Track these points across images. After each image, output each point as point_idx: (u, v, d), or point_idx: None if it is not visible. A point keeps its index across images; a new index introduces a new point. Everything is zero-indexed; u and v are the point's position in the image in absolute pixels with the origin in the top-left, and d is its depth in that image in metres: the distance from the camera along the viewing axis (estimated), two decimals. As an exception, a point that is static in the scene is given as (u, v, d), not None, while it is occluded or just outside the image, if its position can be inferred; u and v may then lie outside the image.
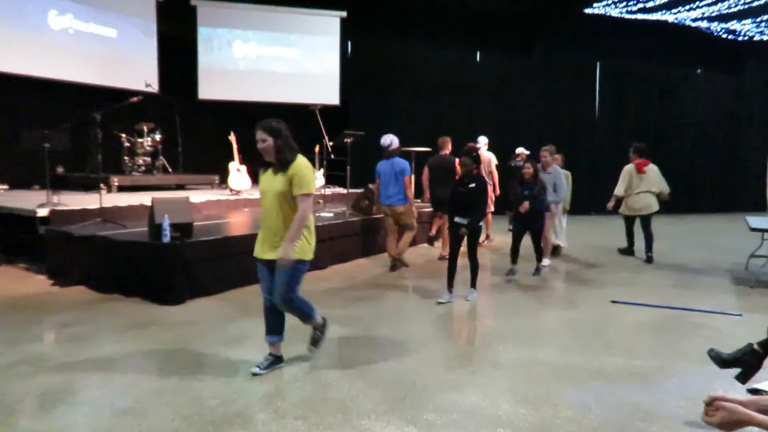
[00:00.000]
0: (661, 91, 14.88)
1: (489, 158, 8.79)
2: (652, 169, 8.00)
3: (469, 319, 5.11)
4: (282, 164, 3.41)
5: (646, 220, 7.92)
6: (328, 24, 12.32)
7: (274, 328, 3.64)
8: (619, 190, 7.98)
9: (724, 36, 15.04)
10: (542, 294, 5.97)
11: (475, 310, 5.38)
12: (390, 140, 6.75)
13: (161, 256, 5.22)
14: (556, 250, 8.05)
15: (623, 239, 8.67)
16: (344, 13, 12.27)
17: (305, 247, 3.51)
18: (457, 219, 5.43)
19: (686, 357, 4.05)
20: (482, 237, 8.75)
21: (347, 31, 12.45)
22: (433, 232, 8.09)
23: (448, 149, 7.65)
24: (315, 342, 3.83)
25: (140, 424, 2.88)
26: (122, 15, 10.42)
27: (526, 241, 6.75)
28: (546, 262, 7.21)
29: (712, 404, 1.49)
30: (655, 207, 7.90)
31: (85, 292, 5.47)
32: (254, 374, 3.50)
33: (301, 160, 3.47)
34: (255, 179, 10.44)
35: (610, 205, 8.04)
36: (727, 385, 3.41)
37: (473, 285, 5.59)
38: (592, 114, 14.45)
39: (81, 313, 4.82)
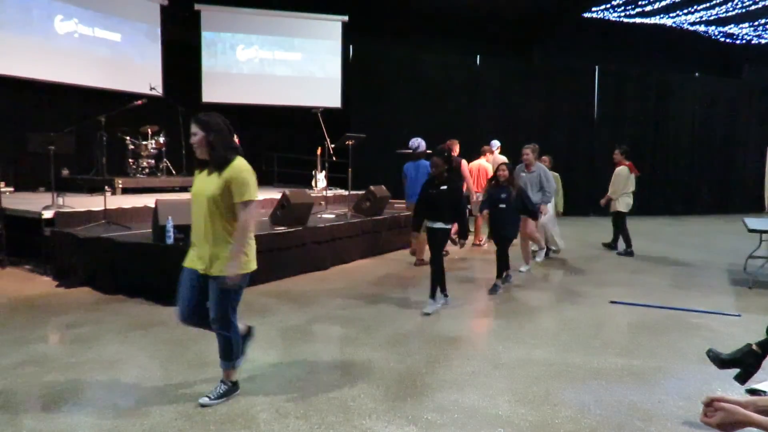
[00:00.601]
0: (659, 94, 14.93)
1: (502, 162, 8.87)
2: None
3: (469, 319, 5.14)
4: (217, 164, 3.03)
5: (625, 218, 8.62)
6: (330, 28, 12.39)
7: (225, 352, 3.23)
8: (618, 189, 8.49)
9: (722, 40, 15.07)
10: (541, 294, 6.00)
11: (475, 310, 5.42)
12: (418, 143, 7.30)
13: (165, 258, 5.26)
14: (548, 253, 8.04)
15: (623, 240, 8.70)
16: (346, 18, 12.34)
17: (242, 260, 3.11)
18: (428, 223, 5.17)
19: (685, 357, 4.07)
20: (469, 242, 8.72)
21: (349, 35, 12.51)
22: None
23: (455, 151, 7.91)
24: (221, 395, 3.18)
25: (144, 424, 2.92)
26: (127, 19, 10.50)
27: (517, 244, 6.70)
28: (524, 267, 7.00)
29: (710, 405, 1.49)
30: None
31: (90, 293, 5.51)
32: (203, 405, 3.10)
33: (240, 163, 3.07)
34: (258, 181, 10.58)
35: (604, 202, 8.72)
36: (725, 386, 3.44)
37: (433, 295, 5.21)
38: (591, 117, 14.49)
39: (85, 313, 4.87)
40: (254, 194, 3.08)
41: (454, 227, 5.36)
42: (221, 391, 3.19)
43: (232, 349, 3.21)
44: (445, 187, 5.09)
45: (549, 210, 7.35)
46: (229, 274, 3.01)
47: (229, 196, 3.01)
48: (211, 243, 3.05)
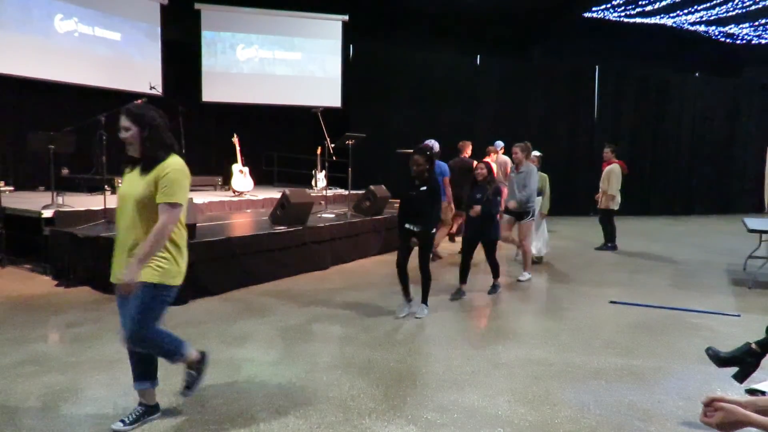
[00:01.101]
0: (659, 94, 14.94)
1: (505, 162, 9.06)
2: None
3: (468, 319, 5.14)
4: (147, 163, 2.68)
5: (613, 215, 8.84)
6: (330, 28, 12.39)
7: (141, 372, 2.91)
8: (613, 187, 8.55)
9: (722, 39, 15.07)
10: (541, 294, 6.00)
11: (474, 310, 5.42)
12: (431, 145, 7.30)
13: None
14: (536, 260, 7.54)
15: (623, 240, 8.72)
16: (346, 17, 12.34)
17: (171, 270, 2.69)
18: (407, 225, 4.91)
19: (684, 357, 4.08)
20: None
21: (349, 34, 12.51)
22: (454, 229, 8.55)
23: (467, 152, 8.23)
24: (190, 384, 2.98)
25: (143, 424, 2.91)
26: (127, 19, 10.50)
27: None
28: (526, 275, 6.62)
29: (710, 405, 1.49)
30: None
31: (90, 292, 5.51)
32: (114, 431, 2.82)
33: (173, 161, 2.69)
34: (258, 181, 10.56)
35: (602, 203, 8.77)
36: (725, 385, 3.44)
37: (425, 300, 5.07)
38: (591, 116, 14.50)
39: (85, 313, 4.87)
40: (182, 197, 2.67)
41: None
42: (136, 416, 2.88)
43: (169, 350, 2.84)
44: (425, 188, 4.81)
45: (535, 213, 7.05)
46: (123, 277, 2.56)
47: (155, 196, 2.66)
48: (136, 250, 2.65)
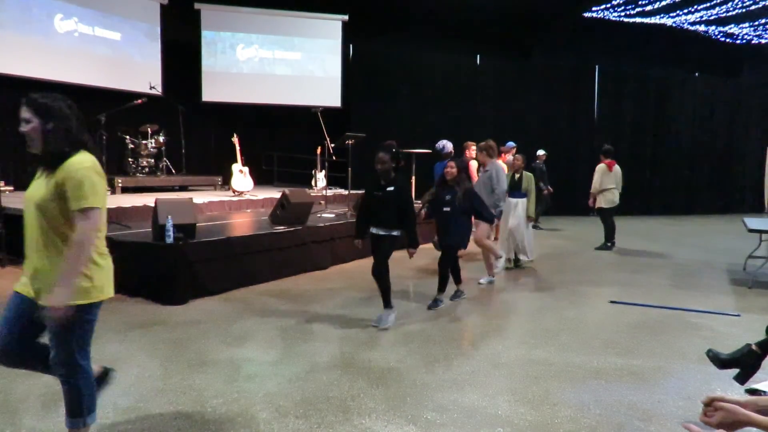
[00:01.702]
0: (659, 94, 14.95)
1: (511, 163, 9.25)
2: (617, 168, 9.01)
3: (468, 318, 5.13)
4: (49, 161, 2.30)
5: (613, 212, 8.95)
6: (330, 28, 12.39)
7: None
8: (595, 186, 8.92)
9: (722, 39, 15.07)
10: (541, 294, 5.99)
11: (474, 310, 5.41)
12: (443, 145, 7.39)
13: (165, 257, 5.27)
14: (518, 263, 7.34)
15: (623, 239, 8.72)
16: (346, 17, 12.33)
17: (85, 287, 2.31)
18: (373, 230, 4.59)
19: (684, 357, 4.08)
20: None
21: (349, 34, 12.51)
22: None
23: (471, 153, 8.12)
24: None
25: (143, 423, 2.92)
26: (127, 19, 10.49)
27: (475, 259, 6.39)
28: (484, 279, 6.32)
29: (710, 405, 1.49)
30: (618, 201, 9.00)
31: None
32: None
33: (81, 158, 2.30)
34: (258, 180, 10.56)
35: (592, 202, 9.05)
36: (725, 386, 3.44)
37: (387, 305, 4.68)
38: (591, 116, 14.50)
39: (85, 313, 4.86)
40: (98, 200, 2.28)
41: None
42: None
43: (81, 402, 2.46)
44: (391, 188, 4.49)
45: (519, 216, 6.96)
46: (53, 303, 2.23)
47: (64, 202, 2.26)
48: (46, 263, 2.31)
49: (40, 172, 2.35)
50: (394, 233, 4.59)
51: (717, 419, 1.47)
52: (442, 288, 5.32)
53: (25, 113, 2.32)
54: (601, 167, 8.89)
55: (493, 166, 6.26)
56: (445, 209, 5.21)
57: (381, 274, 4.59)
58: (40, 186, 2.32)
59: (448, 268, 5.33)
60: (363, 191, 4.77)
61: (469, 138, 8.95)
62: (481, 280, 6.34)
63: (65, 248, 2.29)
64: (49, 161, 2.30)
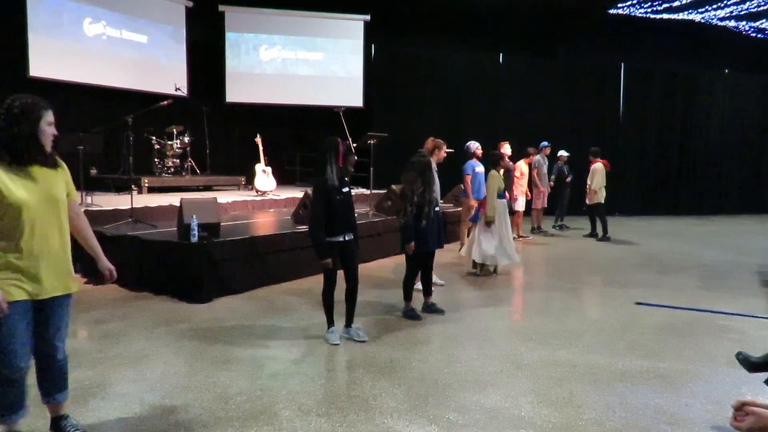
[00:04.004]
0: (686, 92, 14.61)
1: (539, 162, 10.05)
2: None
3: (492, 319, 5.10)
4: (54, 160, 2.59)
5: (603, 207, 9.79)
6: (352, 28, 12.43)
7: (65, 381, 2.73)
8: (599, 184, 9.56)
9: (753, 35, 14.67)
10: (565, 295, 5.92)
11: (497, 309, 5.38)
12: (467, 146, 7.62)
13: (189, 256, 5.35)
14: (495, 269, 6.79)
15: (651, 241, 8.60)
16: (368, 17, 12.36)
17: None
18: (344, 238, 4.15)
19: (713, 360, 3.99)
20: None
21: (371, 34, 12.53)
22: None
23: (506, 152, 8.34)
24: None
25: (169, 419, 2.97)
26: (153, 22, 10.69)
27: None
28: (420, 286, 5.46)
29: (741, 409, 1.45)
30: None
31: (117, 290, 5.62)
32: None
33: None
34: (281, 180, 10.63)
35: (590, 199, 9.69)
36: (755, 389, 3.35)
37: (332, 323, 4.29)
38: (617, 115, 14.25)
39: (113, 310, 4.97)
40: None
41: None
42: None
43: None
44: (347, 189, 4.19)
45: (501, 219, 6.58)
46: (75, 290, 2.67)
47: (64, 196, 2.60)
48: (63, 255, 2.55)
49: (16, 170, 2.41)
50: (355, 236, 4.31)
51: (747, 424, 1.43)
52: (424, 293, 5.16)
53: (52, 116, 2.55)
54: (600, 167, 9.55)
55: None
56: (436, 210, 5.02)
57: (357, 286, 4.29)
58: (48, 183, 2.49)
59: (409, 277, 5.03)
60: (314, 194, 4.20)
61: (494, 137, 8.91)
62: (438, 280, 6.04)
63: (66, 238, 2.58)
64: (54, 160, 2.56)
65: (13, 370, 2.42)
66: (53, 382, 2.67)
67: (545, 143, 10.24)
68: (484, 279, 6.57)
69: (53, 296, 2.51)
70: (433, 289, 5.42)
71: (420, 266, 5.04)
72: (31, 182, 2.43)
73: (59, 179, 2.55)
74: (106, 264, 2.81)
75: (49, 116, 2.50)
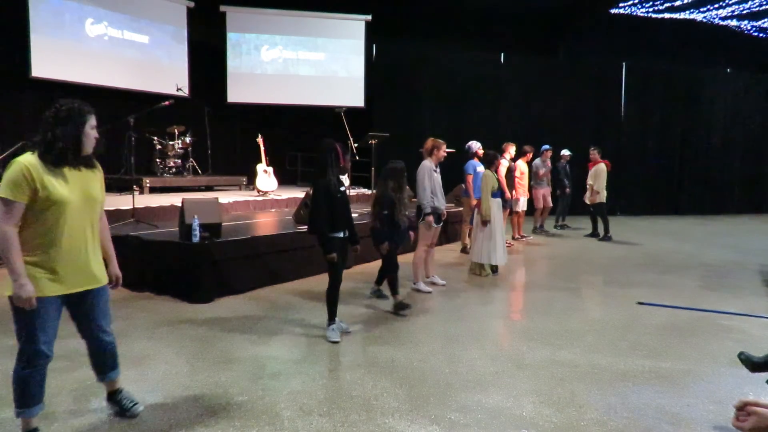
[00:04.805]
0: (688, 91, 14.60)
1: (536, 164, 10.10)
2: None
3: (493, 318, 5.10)
4: (93, 161, 2.75)
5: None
6: (353, 28, 12.44)
7: (116, 360, 3.02)
8: (603, 184, 9.60)
9: (755, 34, 14.65)
10: (567, 295, 5.91)
11: (499, 309, 5.38)
12: (468, 146, 7.76)
13: (191, 256, 5.35)
14: (494, 269, 6.74)
15: (652, 241, 8.58)
16: (369, 17, 12.37)
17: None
18: (341, 234, 4.34)
19: (715, 360, 3.98)
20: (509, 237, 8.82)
21: (372, 34, 12.54)
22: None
23: (509, 153, 8.57)
24: None
25: (170, 419, 2.97)
26: (154, 22, 10.71)
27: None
28: (422, 286, 5.88)
29: (743, 409, 1.45)
30: None
31: (119, 290, 5.52)
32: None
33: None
34: (282, 180, 10.66)
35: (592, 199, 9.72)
36: (758, 389, 3.35)
37: (333, 318, 4.37)
38: (618, 114, 14.24)
39: (114, 310, 4.89)
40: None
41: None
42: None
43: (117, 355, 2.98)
44: (344, 187, 4.44)
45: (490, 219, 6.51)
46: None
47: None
48: (99, 251, 2.80)
49: (60, 170, 2.54)
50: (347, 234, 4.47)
51: (749, 424, 1.43)
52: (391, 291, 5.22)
53: (95, 121, 2.69)
54: (603, 167, 9.60)
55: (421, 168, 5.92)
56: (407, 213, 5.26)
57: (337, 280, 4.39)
58: (87, 183, 2.65)
59: (388, 271, 5.25)
60: (318, 193, 4.30)
61: (494, 137, 8.92)
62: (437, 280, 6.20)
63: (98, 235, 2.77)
64: (93, 162, 2.73)
65: (40, 361, 2.61)
66: (105, 362, 2.95)
67: (546, 147, 10.10)
68: (485, 279, 6.57)
69: (89, 288, 2.70)
70: (431, 289, 5.74)
71: (395, 260, 5.24)
72: (72, 182, 2.58)
73: (96, 180, 2.72)
74: (115, 270, 2.93)
75: (92, 120, 2.65)
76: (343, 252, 4.40)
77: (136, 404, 3.01)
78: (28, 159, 2.49)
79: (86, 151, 2.64)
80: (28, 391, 2.64)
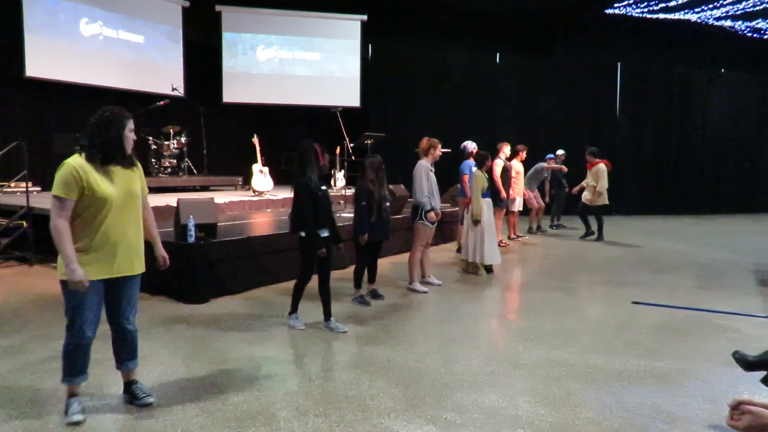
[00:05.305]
0: (683, 91, 14.67)
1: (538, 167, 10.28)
2: None
3: (489, 318, 5.11)
4: (133, 161, 3.06)
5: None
6: (349, 28, 12.43)
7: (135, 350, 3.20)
8: (603, 185, 9.28)
9: (749, 35, 14.72)
10: (562, 294, 5.93)
11: (494, 309, 5.39)
12: (464, 146, 7.65)
13: (187, 256, 5.33)
14: (488, 268, 6.77)
15: (647, 241, 8.61)
16: (365, 17, 12.36)
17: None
18: (324, 233, 4.42)
19: (710, 359, 4.00)
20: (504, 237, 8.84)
21: (368, 34, 12.54)
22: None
23: (504, 153, 8.60)
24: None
25: (166, 420, 2.96)
26: (149, 22, 10.67)
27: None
28: (418, 286, 5.88)
29: (737, 408, 1.46)
30: None
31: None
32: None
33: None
34: (278, 180, 10.68)
35: (592, 199, 9.40)
36: (752, 388, 3.36)
37: (296, 309, 4.58)
38: (614, 114, 14.29)
39: (110, 311, 4.95)
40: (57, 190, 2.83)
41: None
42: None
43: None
44: (324, 187, 4.55)
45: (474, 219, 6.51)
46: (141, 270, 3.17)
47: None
48: (140, 242, 3.09)
49: (104, 169, 2.86)
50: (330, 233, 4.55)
51: (744, 423, 1.44)
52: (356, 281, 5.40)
53: (132, 124, 2.99)
54: (604, 167, 9.33)
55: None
56: (386, 204, 5.35)
57: (329, 281, 4.54)
58: (128, 180, 2.96)
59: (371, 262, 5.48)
60: (300, 192, 4.41)
61: (491, 137, 8.93)
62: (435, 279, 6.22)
63: (140, 226, 3.08)
64: (132, 160, 3.02)
65: (84, 338, 2.90)
66: (126, 351, 3.14)
67: (551, 155, 10.36)
68: (481, 279, 6.58)
69: (125, 275, 2.98)
70: (427, 289, 5.80)
71: (369, 255, 5.37)
72: (115, 179, 2.90)
73: (136, 177, 3.02)
74: (161, 251, 3.27)
75: (131, 124, 2.96)
76: (327, 253, 4.45)
77: (147, 396, 3.13)
78: (77, 160, 2.83)
79: (127, 151, 2.95)
80: (72, 363, 2.95)
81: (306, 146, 4.48)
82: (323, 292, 4.54)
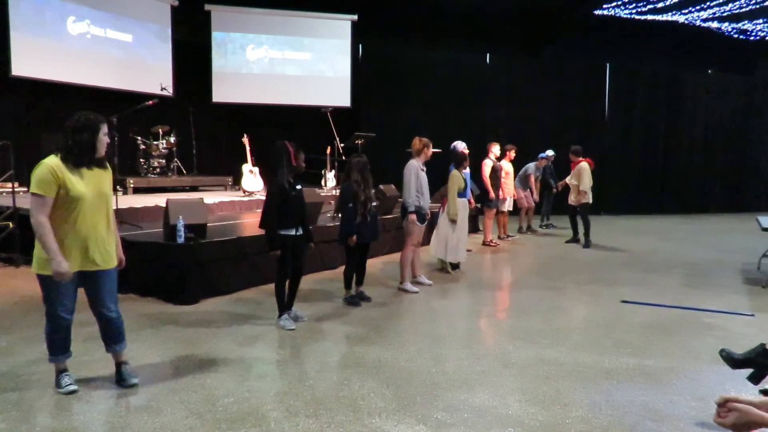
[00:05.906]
0: (671, 92, 14.81)
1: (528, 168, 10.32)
2: None
3: (479, 318, 5.12)
4: (105, 163, 3.27)
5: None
6: (340, 27, 12.41)
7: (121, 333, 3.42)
8: (587, 184, 8.93)
9: (736, 36, 14.90)
10: (552, 294, 5.96)
11: (484, 309, 5.40)
12: (453, 146, 7.41)
13: (176, 257, 5.31)
14: (453, 266, 6.89)
15: (636, 240, 8.67)
16: (355, 17, 12.35)
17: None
18: (297, 232, 4.55)
19: (697, 357, 4.04)
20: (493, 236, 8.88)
21: (358, 34, 12.53)
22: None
23: (494, 152, 8.74)
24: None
25: (155, 422, 2.94)
26: (138, 20, 10.58)
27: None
28: (409, 286, 5.88)
29: (724, 405, 1.48)
30: None
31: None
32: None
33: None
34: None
35: (576, 200, 9.12)
36: (739, 386, 3.40)
37: (283, 310, 4.65)
38: (602, 114, 14.39)
39: (98, 312, 4.90)
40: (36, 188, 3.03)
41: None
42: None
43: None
44: (299, 187, 4.60)
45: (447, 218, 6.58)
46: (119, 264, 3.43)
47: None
48: (111, 239, 3.29)
49: (77, 170, 3.07)
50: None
51: (731, 420, 1.46)
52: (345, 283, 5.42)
53: (107, 129, 3.19)
54: (587, 166, 8.99)
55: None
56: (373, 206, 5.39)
57: (301, 276, 4.76)
58: (99, 181, 3.17)
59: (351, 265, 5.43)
60: (273, 193, 4.52)
61: (480, 137, 8.96)
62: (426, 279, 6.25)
63: (111, 224, 3.29)
64: (105, 163, 3.24)
65: (62, 321, 3.20)
66: (111, 336, 3.37)
67: (543, 155, 10.36)
68: (474, 278, 6.60)
69: (101, 269, 3.19)
70: (418, 289, 5.83)
71: (358, 257, 5.35)
72: (87, 180, 3.11)
73: (107, 178, 3.24)
74: (120, 253, 3.41)
75: (104, 128, 3.15)
76: (296, 249, 4.59)
77: (132, 377, 3.37)
78: (53, 160, 3.04)
79: (100, 153, 3.16)
80: (54, 344, 3.27)
81: (279, 147, 4.54)
82: (290, 288, 4.70)
